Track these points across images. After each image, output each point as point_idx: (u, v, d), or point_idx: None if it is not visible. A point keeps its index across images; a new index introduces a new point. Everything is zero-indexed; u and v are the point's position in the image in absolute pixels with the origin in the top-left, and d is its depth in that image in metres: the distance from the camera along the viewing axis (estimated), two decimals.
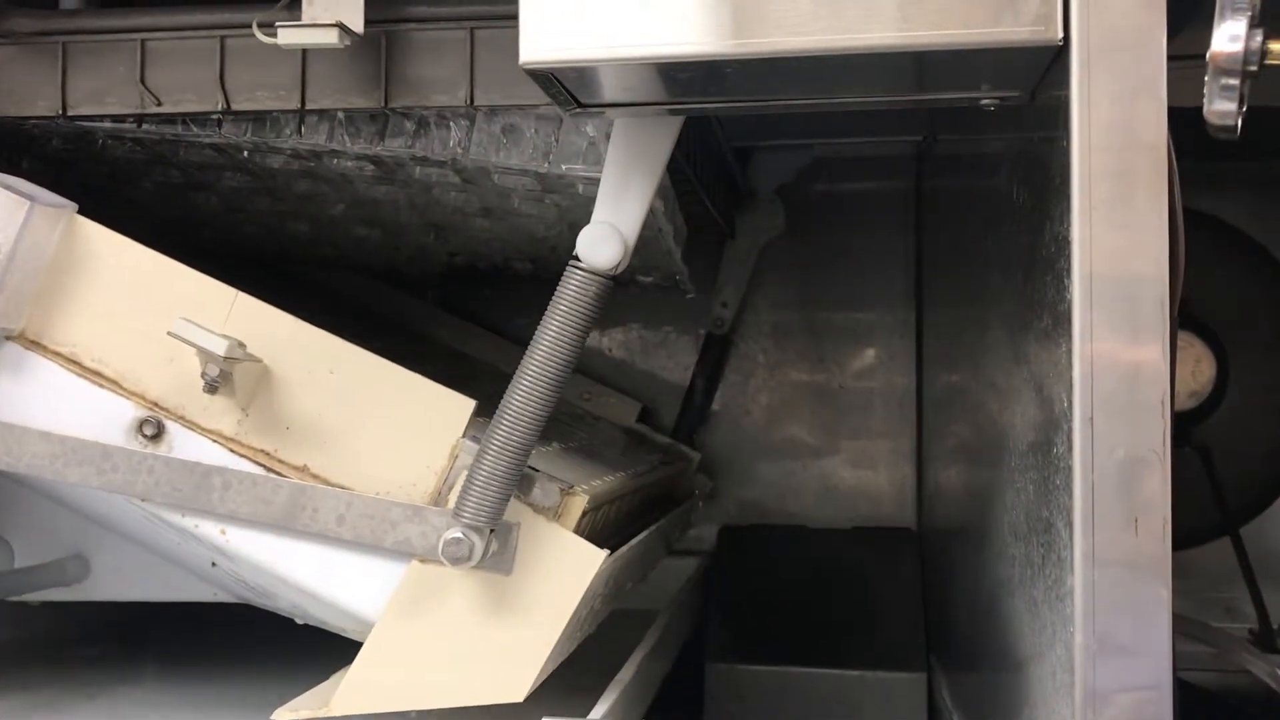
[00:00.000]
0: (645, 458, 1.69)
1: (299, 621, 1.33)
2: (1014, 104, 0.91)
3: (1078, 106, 0.78)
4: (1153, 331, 0.77)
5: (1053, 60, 0.83)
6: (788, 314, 2.04)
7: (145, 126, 1.16)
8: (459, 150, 1.13)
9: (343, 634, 1.19)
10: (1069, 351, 0.78)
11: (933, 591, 1.79)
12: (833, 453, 2.02)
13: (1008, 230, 1.04)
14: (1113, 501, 0.76)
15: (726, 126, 1.68)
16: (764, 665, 1.79)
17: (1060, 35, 0.79)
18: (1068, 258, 0.78)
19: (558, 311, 0.97)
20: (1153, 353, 0.77)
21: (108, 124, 1.17)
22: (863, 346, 2.01)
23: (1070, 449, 0.77)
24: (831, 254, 2.01)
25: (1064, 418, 0.79)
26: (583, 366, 2.03)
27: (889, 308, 1.99)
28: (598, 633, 1.22)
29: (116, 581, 1.45)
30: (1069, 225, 0.78)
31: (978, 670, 1.27)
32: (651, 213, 1.07)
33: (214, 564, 1.21)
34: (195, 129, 1.16)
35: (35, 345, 1.08)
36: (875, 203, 1.99)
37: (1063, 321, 0.80)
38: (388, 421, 1.04)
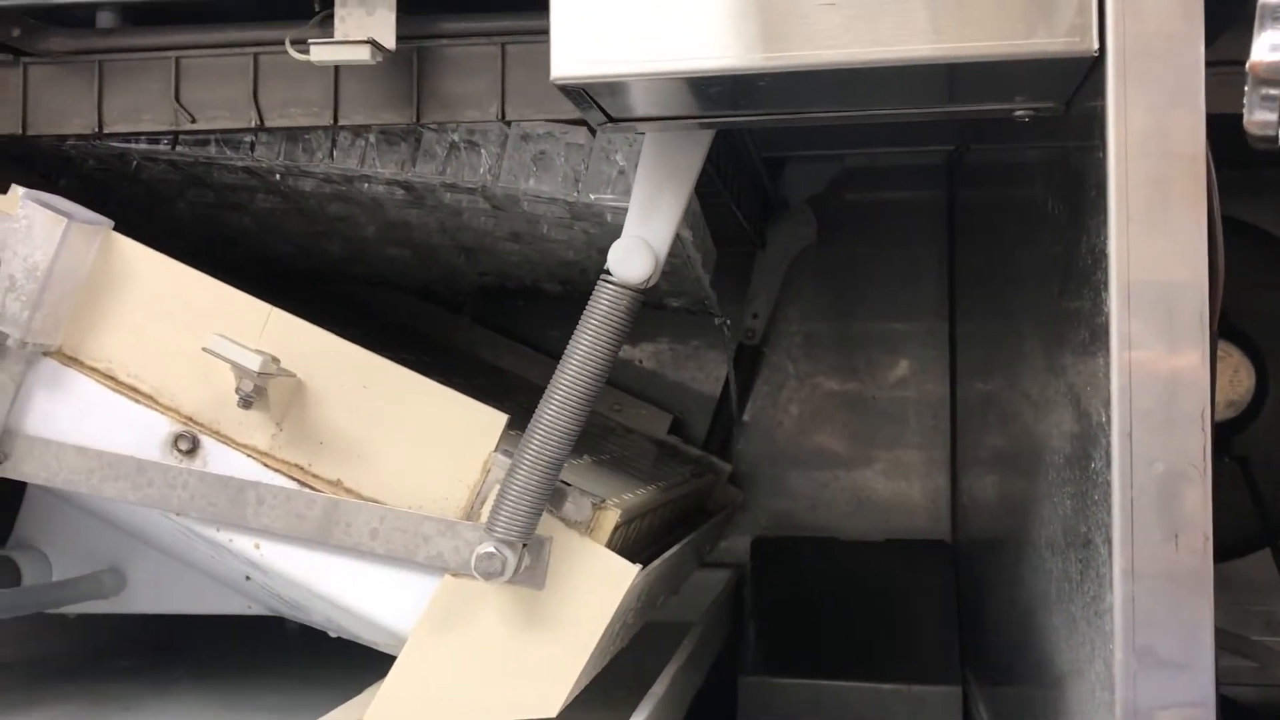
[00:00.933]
0: (677, 470, 1.69)
1: (332, 634, 1.34)
2: (1048, 115, 0.91)
3: (1114, 117, 0.77)
4: (1192, 342, 0.76)
5: (1088, 71, 0.82)
6: (819, 324, 2.03)
7: (179, 149, 1.18)
8: (489, 177, 1.14)
9: (375, 647, 1.19)
10: (1107, 364, 0.77)
11: (968, 604, 1.78)
12: (865, 464, 2.01)
13: (1042, 241, 1.03)
14: (1152, 516, 0.75)
15: (757, 137, 1.68)
16: (797, 678, 1.78)
17: (1095, 46, 0.78)
18: (1105, 269, 0.77)
19: (589, 326, 0.97)
20: (1192, 364, 0.76)
21: (143, 145, 1.18)
22: (895, 357, 2.00)
23: (1109, 464, 0.76)
24: (863, 264, 2.00)
25: (1102, 431, 0.78)
26: (614, 378, 2.02)
27: (921, 318, 1.97)
28: (630, 646, 1.21)
29: (152, 594, 1.46)
30: (1106, 236, 0.77)
31: (1014, 684, 1.26)
32: (679, 241, 1.07)
33: (248, 578, 1.21)
34: (229, 151, 1.17)
35: (72, 361, 1.09)
36: (907, 213, 1.98)
37: (1100, 333, 0.79)
38: (420, 436, 1.04)
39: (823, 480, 2.03)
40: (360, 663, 1.15)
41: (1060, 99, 0.89)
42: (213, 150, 1.17)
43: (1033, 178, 1.09)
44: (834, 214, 1.98)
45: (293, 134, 1.15)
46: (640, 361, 2.09)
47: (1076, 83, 0.85)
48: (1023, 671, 1.17)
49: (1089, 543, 0.82)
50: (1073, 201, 0.88)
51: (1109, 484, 0.76)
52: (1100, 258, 0.79)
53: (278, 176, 1.20)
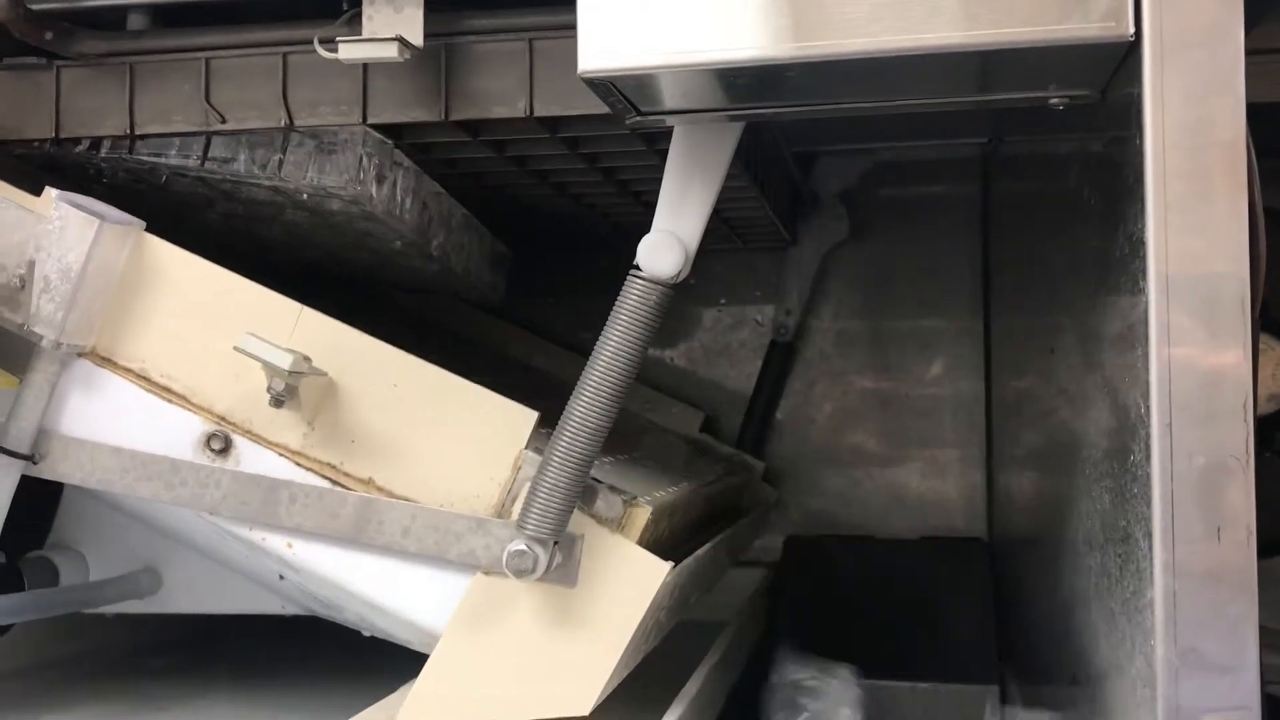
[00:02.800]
0: (709, 468, 1.68)
1: (365, 633, 1.34)
2: (1084, 103, 0.89)
3: (1151, 105, 0.76)
4: (1233, 334, 0.75)
5: (1124, 58, 0.80)
6: (852, 321, 2.01)
7: (208, 165, 1.18)
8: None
9: (408, 646, 1.19)
10: (1145, 356, 0.76)
11: (1004, 602, 1.76)
12: (900, 461, 1.99)
13: (1079, 233, 1.02)
14: (1193, 510, 0.73)
15: (788, 131, 1.67)
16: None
17: (1131, 31, 0.76)
18: (1143, 259, 0.76)
19: (619, 321, 0.96)
20: (1233, 356, 0.75)
21: (174, 159, 1.18)
22: (929, 353, 1.98)
23: (1148, 457, 0.75)
24: (896, 259, 1.98)
25: (1141, 424, 0.76)
26: (645, 376, 2.02)
27: (955, 313, 1.95)
28: (663, 644, 1.20)
29: (188, 594, 1.47)
30: (1144, 226, 0.76)
31: (1052, 682, 1.24)
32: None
33: (281, 577, 1.22)
34: (256, 170, 1.17)
35: (105, 362, 1.09)
36: (940, 207, 1.96)
37: (1138, 325, 0.77)
38: (451, 434, 1.03)
39: (857, 478, 2.01)
40: (393, 662, 1.15)
41: (1096, 87, 0.87)
42: (240, 167, 1.17)
43: (1068, 168, 1.07)
44: (866, 209, 1.96)
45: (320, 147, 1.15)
46: (671, 359, 2.08)
47: (1112, 70, 0.83)
48: (1061, 669, 1.15)
49: (1128, 537, 0.81)
50: (1109, 191, 0.87)
51: (1149, 477, 0.75)
52: (1138, 247, 0.77)
53: (305, 195, 1.20)
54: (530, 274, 2.09)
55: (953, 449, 1.97)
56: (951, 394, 1.97)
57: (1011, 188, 1.64)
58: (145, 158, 1.19)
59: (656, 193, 0.99)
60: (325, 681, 1.48)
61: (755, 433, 2.00)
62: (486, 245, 1.51)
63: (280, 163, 1.17)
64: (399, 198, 1.20)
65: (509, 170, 1.34)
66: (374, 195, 1.16)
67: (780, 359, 1.99)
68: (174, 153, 1.18)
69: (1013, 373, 1.65)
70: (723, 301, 2.06)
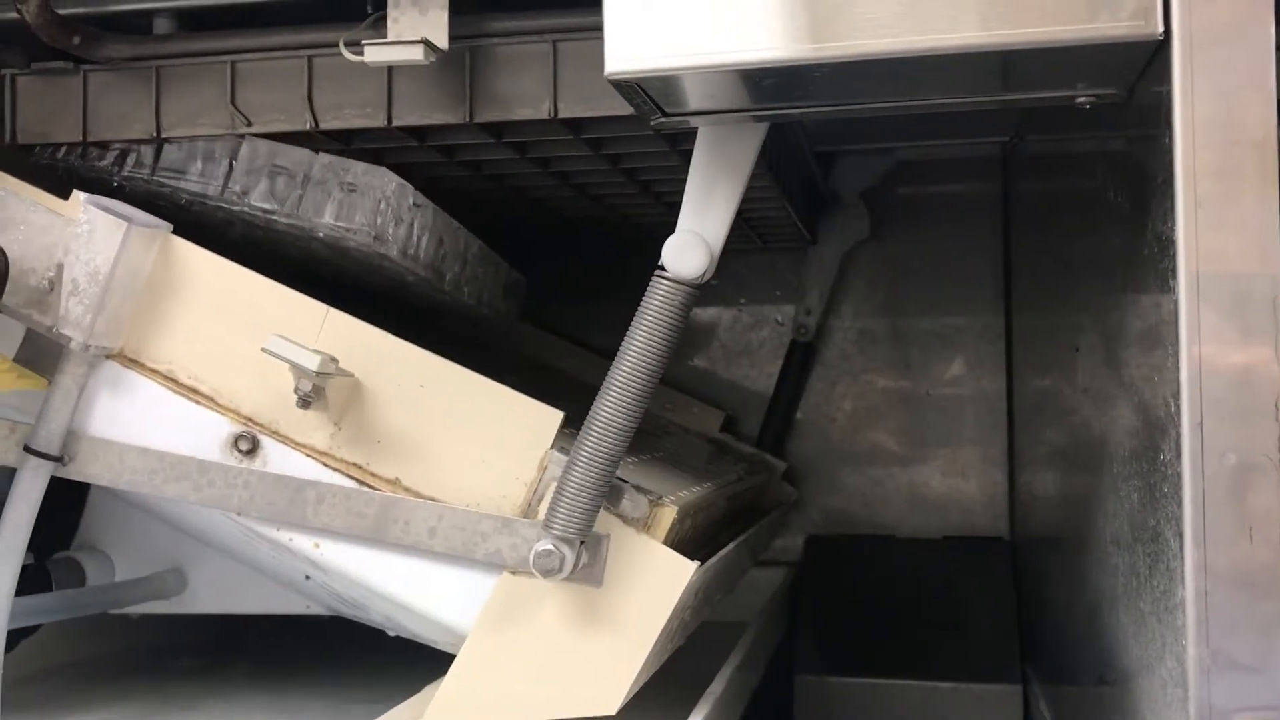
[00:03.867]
0: (731, 468, 1.68)
1: (390, 634, 1.34)
2: (1111, 102, 0.89)
3: (1180, 102, 0.76)
4: (1263, 332, 0.75)
5: (1152, 56, 0.80)
6: (873, 320, 2.01)
7: (227, 194, 1.18)
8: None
9: (434, 646, 1.20)
10: (1175, 355, 0.76)
11: (1027, 602, 1.75)
12: (921, 461, 1.99)
13: (1104, 232, 1.01)
14: (1225, 509, 0.73)
15: (810, 131, 1.67)
16: (854, 677, 1.76)
17: (1160, 29, 0.76)
18: (1172, 257, 0.76)
19: (644, 322, 0.97)
20: (1264, 354, 0.74)
21: (193, 184, 1.18)
22: (950, 352, 1.98)
23: (1179, 455, 0.75)
24: (917, 258, 1.97)
25: (1171, 423, 0.76)
26: (666, 376, 2.01)
27: (977, 312, 1.95)
28: (687, 645, 1.21)
29: (213, 595, 1.47)
30: (1173, 224, 0.76)
31: (1078, 683, 1.24)
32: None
33: (308, 577, 1.22)
34: (275, 205, 1.17)
35: (133, 363, 1.10)
36: (961, 206, 1.96)
37: (1167, 324, 0.77)
38: (477, 434, 1.04)
39: (878, 478, 2.01)
40: (419, 662, 1.15)
41: (1123, 85, 0.87)
42: (261, 204, 1.17)
43: (1093, 167, 1.07)
44: (887, 208, 1.96)
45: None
46: (692, 359, 2.08)
47: (1140, 68, 0.83)
48: (1086, 670, 1.15)
49: (1158, 536, 0.81)
50: (1137, 190, 0.87)
51: (1179, 476, 0.75)
52: (1167, 246, 0.77)
53: (321, 234, 1.20)
54: (551, 278, 2.10)
55: (974, 448, 1.96)
56: (973, 392, 1.97)
57: (1033, 186, 1.64)
58: (166, 180, 1.20)
59: (679, 194, 0.99)
60: (350, 682, 1.48)
61: (775, 432, 2.00)
62: (501, 275, 1.52)
63: (300, 199, 1.17)
64: (415, 236, 1.20)
65: (532, 172, 1.35)
66: (390, 237, 1.17)
67: (800, 358, 1.99)
68: (194, 177, 1.19)
69: (1035, 371, 1.65)
70: (743, 301, 2.06)
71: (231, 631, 1.70)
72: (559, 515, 0.96)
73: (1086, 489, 1.14)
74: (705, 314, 2.07)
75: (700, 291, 0.98)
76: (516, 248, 2.05)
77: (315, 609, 1.44)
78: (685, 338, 2.04)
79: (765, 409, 2.01)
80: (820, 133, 1.75)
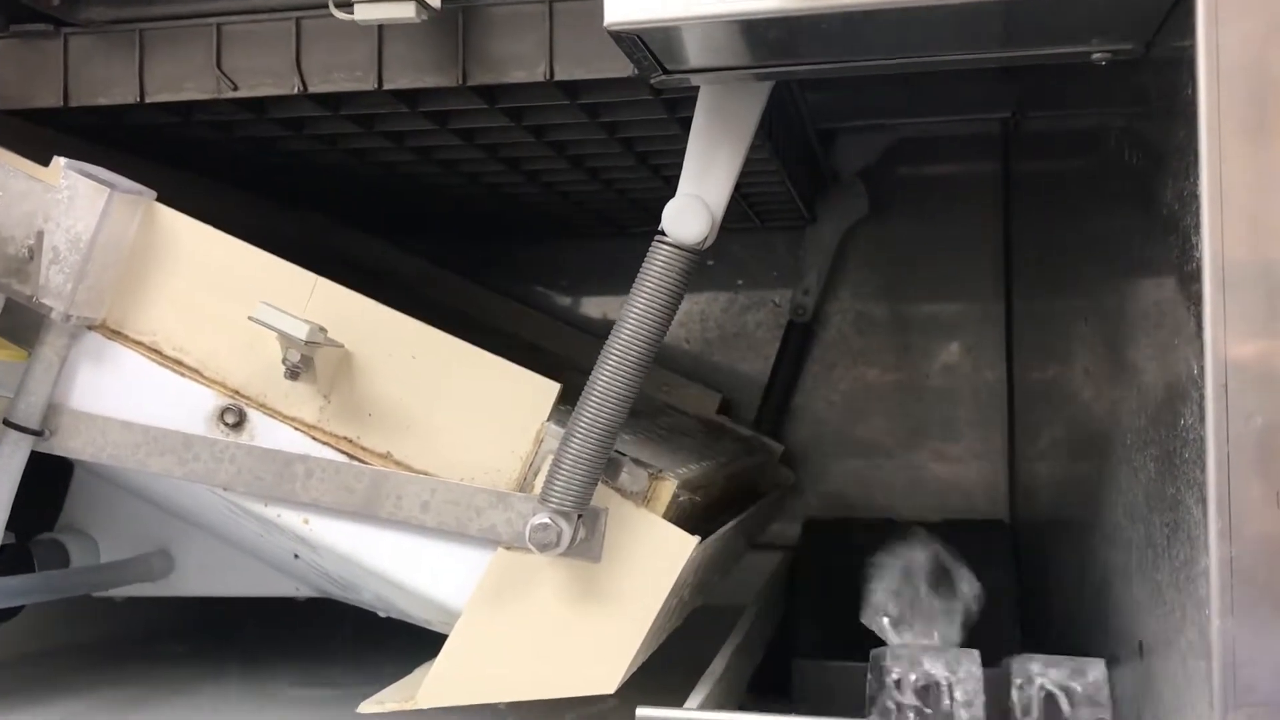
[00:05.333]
0: (728, 448, 1.65)
1: (382, 615, 1.31)
2: (1127, 58, 0.86)
3: (1204, 50, 0.73)
4: None
5: (1172, 7, 0.77)
6: (871, 301, 1.98)
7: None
8: None
9: (427, 626, 1.17)
10: (1198, 315, 0.73)
11: (1029, 585, 1.73)
12: (920, 443, 1.96)
13: (1119, 194, 0.98)
14: (1251, 473, 0.70)
15: (811, 108, 1.64)
16: (853, 661, 1.73)
17: None
18: (1196, 213, 0.73)
19: (644, 287, 0.94)
20: None
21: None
22: (950, 333, 1.95)
23: (1202, 419, 0.72)
24: (917, 235, 1.94)
25: (1194, 385, 0.73)
26: (662, 359, 1.99)
27: (977, 293, 1.92)
28: (682, 629, 1.18)
29: (200, 577, 1.44)
30: (1196, 179, 0.73)
31: None
32: None
33: (296, 556, 1.19)
34: None
35: (116, 335, 1.07)
36: (963, 181, 1.93)
37: (1189, 282, 0.74)
38: (471, 406, 1.01)
39: (876, 460, 1.98)
40: (411, 645, 1.12)
41: (1141, 39, 0.84)
42: None
43: (1105, 131, 1.04)
44: (887, 186, 1.93)
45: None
46: (687, 342, 2.05)
47: (1159, 19, 0.80)
48: (1095, 648, 1.12)
49: (1178, 504, 0.78)
50: (1156, 147, 0.84)
51: (1202, 440, 0.72)
52: (1190, 200, 0.74)
53: None
54: (543, 260, 2.07)
55: (974, 429, 1.94)
56: (972, 375, 1.94)
57: (1037, 158, 1.61)
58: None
59: (677, 168, 0.96)
60: (342, 664, 1.46)
61: (772, 415, 1.97)
62: None
63: None
64: None
65: (526, 141, 1.31)
66: None
67: (798, 340, 1.96)
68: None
69: (1038, 347, 1.62)
70: (740, 283, 2.03)
71: (220, 616, 1.67)
72: (556, 488, 0.93)
73: (1094, 464, 1.11)
74: (702, 296, 2.03)
75: (701, 257, 0.95)
76: (506, 229, 2.03)
77: (305, 591, 1.41)
78: (681, 320, 2.02)
79: (762, 393, 1.98)
80: (821, 109, 1.72)
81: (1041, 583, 1.61)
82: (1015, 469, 1.90)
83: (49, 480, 1.40)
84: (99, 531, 1.44)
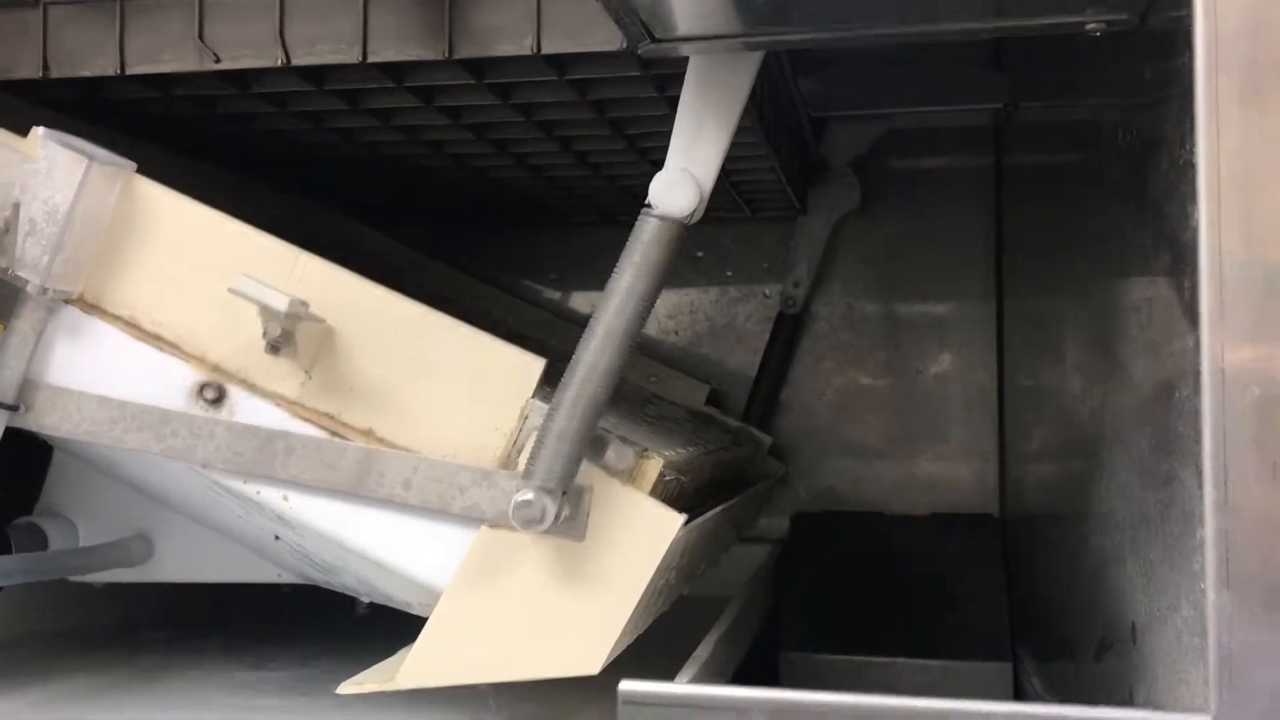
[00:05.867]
0: (717, 437, 1.63)
1: (364, 600, 1.29)
2: (1122, 28, 0.85)
3: (1202, 17, 0.71)
4: None
5: None
6: (861, 293, 1.97)
7: None
8: None
9: (408, 610, 1.15)
10: (1193, 285, 0.72)
11: (1018, 579, 1.72)
12: (909, 437, 1.95)
13: (1112, 173, 0.97)
14: (1248, 445, 0.69)
15: (806, 96, 1.63)
16: (841, 655, 1.72)
17: None
18: (1192, 180, 0.71)
19: (630, 261, 0.92)
20: None
21: None
22: (941, 325, 1.94)
23: (1198, 390, 0.70)
24: (907, 230, 1.93)
25: (1189, 356, 0.72)
26: (649, 351, 1.98)
27: (968, 284, 1.91)
28: (668, 618, 1.16)
29: (180, 563, 1.42)
30: (1193, 147, 0.72)
31: (1077, 652, 1.20)
32: None
33: (277, 537, 1.17)
34: None
35: (94, 309, 1.05)
36: (954, 173, 1.92)
37: (1186, 253, 0.73)
38: (455, 382, 0.99)
39: (865, 455, 1.97)
40: (394, 632, 1.10)
41: (1135, 9, 0.83)
42: None
43: (1099, 112, 1.03)
44: (878, 177, 1.92)
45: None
46: (676, 334, 2.03)
47: None
48: (1087, 637, 1.11)
49: (1171, 479, 0.77)
50: (1151, 121, 0.83)
51: (1198, 412, 0.70)
52: (1185, 170, 0.73)
53: None
54: (530, 248, 2.06)
55: (962, 425, 1.93)
56: (962, 369, 1.93)
57: (1031, 149, 1.60)
58: None
59: (665, 151, 0.95)
60: (322, 653, 1.43)
61: (762, 407, 1.95)
62: None
63: None
64: None
65: (515, 122, 1.30)
66: None
67: (788, 331, 1.95)
68: None
69: (1029, 330, 1.61)
70: (729, 275, 2.01)
71: (200, 604, 1.65)
72: (540, 464, 0.92)
73: (1087, 448, 1.10)
74: (691, 289, 2.02)
75: (688, 232, 0.94)
76: (494, 217, 2.02)
77: (287, 577, 1.39)
78: (670, 312, 2.01)
79: (751, 385, 1.96)
80: (813, 98, 1.70)
81: (1032, 575, 1.60)
82: (1005, 462, 1.88)
83: (26, 464, 1.38)
84: (78, 516, 1.42)
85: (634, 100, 1.23)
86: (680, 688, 0.82)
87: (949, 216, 1.91)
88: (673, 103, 0.97)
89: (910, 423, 1.94)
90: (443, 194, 1.79)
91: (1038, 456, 1.59)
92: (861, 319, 1.96)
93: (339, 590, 1.33)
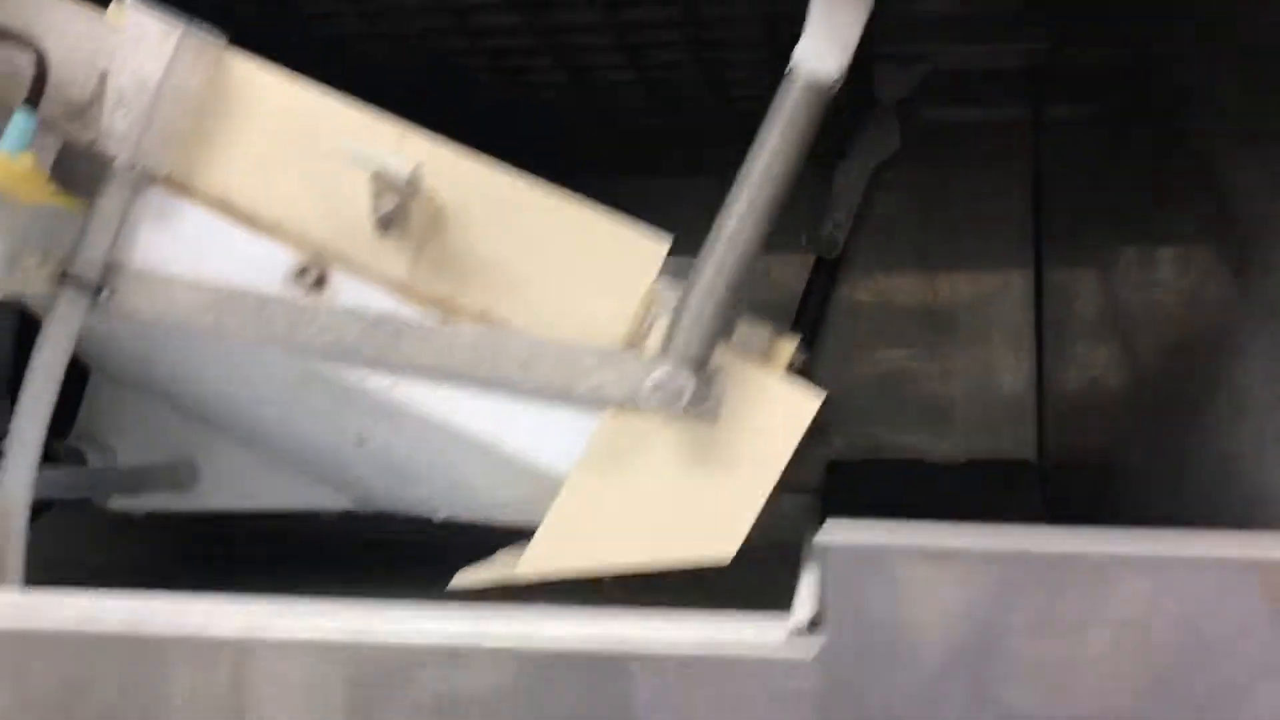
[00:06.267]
0: None
1: (437, 518, 1.24)
2: None
3: None
4: None
5: None
6: (896, 234, 1.95)
7: None
8: None
9: (489, 522, 1.10)
10: None
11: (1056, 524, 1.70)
12: (945, 380, 1.93)
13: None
14: None
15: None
16: None
17: None
18: None
19: (773, 128, 0.89)
20: None
21: None
22: (978, 262, 1.93)
23: None
24: (950, 169, 1.92)
25: None
26: None
27: (1006, 220, 1.90)
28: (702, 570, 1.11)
29: (227, 489, 1.36)
30: None
31: None
32: None
33: (361, 443, 1.12)
34: None
35: (183, 189, 1.00)
36: (995, 118, 1.91)
37: None
38: (577, 264, 0.95)
39: (900, 400, 1.95)
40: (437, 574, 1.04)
41: None
42: None
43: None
44: (920, 120, 1.90)
45: None
46: None
47: None
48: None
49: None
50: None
51: None
52: None
53: None
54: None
55: (1002, 368, 1.92)
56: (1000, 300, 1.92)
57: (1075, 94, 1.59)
58: None
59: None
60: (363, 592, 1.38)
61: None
62: None
63: None
64: None
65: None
66: None
67: (826, 276, 1.93)
68: None
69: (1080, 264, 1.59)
70: None
71: (239, 546, 1.59)
72: (677, 340, 0.88)
73: (1184, 361, 1.08)
74: None
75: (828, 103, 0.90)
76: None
77: (341, 502, 1.34)
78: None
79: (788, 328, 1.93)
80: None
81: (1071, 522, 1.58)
82: (1043, 404, 1.88)
83: (63, 388, 1.31)
84: (118, 440, 1.36)
85: None
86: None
87: (993, 142, 1.89)
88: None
89: (947, 363, 1.93)
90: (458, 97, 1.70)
91: (1087, 389, 1.58)
92: (896, 257, 1.95)
93: (405, 512, 1.28)
